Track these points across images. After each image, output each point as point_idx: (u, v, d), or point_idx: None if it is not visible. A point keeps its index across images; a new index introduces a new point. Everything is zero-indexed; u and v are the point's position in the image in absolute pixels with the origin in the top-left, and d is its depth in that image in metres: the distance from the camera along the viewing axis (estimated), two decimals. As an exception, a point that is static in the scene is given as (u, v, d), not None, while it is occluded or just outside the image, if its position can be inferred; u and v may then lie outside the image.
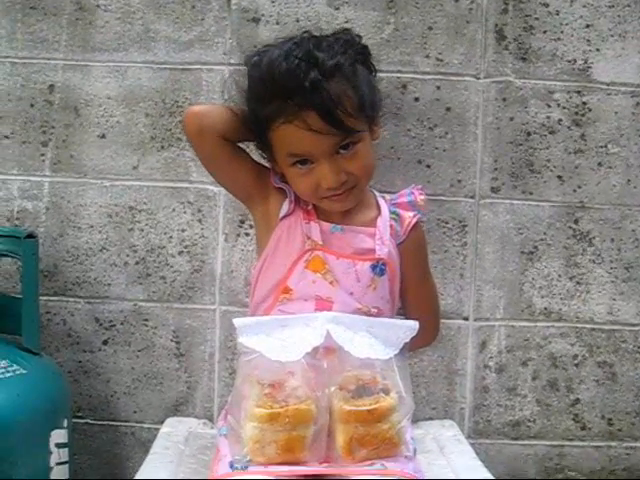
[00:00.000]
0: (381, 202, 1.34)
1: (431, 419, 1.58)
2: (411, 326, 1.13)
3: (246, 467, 1.05)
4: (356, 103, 1.21)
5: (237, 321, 1.11)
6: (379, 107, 1.30)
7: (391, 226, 1.31)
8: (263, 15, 1.56)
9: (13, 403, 1.30)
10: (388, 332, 1.11)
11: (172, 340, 1.59)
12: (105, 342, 1.59)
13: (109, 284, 1.59)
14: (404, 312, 1.36)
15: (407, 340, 1.12)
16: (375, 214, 1.32)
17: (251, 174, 1.32)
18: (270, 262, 1.29)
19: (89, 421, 1.60)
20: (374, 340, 1.09)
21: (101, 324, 1.59)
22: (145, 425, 1.60)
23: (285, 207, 1.29)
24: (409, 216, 1.33)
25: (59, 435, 1.37)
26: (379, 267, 1.27)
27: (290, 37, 1.27)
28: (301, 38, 1.25)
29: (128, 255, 1.59)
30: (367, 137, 1.26)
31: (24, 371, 1.36)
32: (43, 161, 1.58)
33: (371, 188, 1.37)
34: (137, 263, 1.59)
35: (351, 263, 1.26)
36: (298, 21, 1.55)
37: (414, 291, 1.36)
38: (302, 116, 1.17)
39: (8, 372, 1.33)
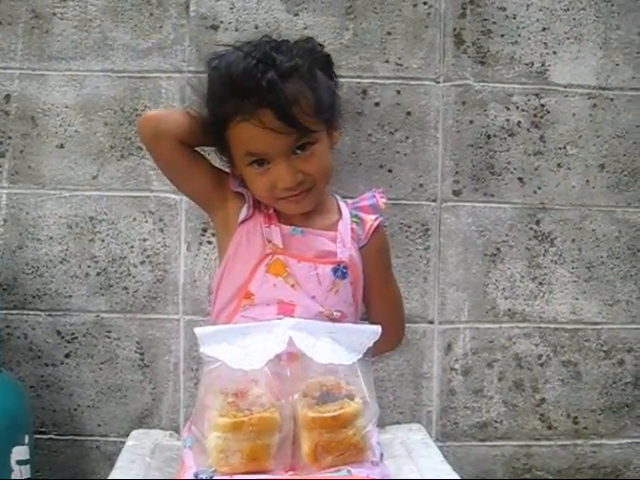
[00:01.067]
0: (342, 206, 1.35)
1: (398, 423, 1.57)
2: (374, 331, 1.13)
3: (211, 478, 1.04)
4: (312, 104, 1.21)
5: (198, 330, 1.10)
6: (337, 111, 1.31)
7: (352, 229, 1.31)
8: (222, 22, 1.55)
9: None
10: (351, 337, 1.11)
11: (136, 351, 1.57)
12: (67, 355, 1.57)
13: (70, 296, 1.56)
14: (368, 316, 1.36)
15: (370, 345, 1.11)
16: (336, 218, 1.32)
17: (210, 179, 1.31)
18: (231, 267, 1.28)
19: (53, 436, 1.57)
20: (337, 346, 1.08)
21: (63, 337, 1.57)
22: (110, 438, 1.57)
23: (244, 212, 1.29)
24: (371, 219, 1.33)
25: (20, 452, 1.34)
26: (340, 270, 1.27)
27: (250, 41, 1.27)
28: (260, 41, 1.26)
29: (89, 266, 1.56)
30: (324, 139, 1.26)
31: (-17, 387, 1.33)
32: (0, 172, 1.55)
33: (333, 193, 1.37)
34: (98, 274, 1.56)
35: (312, 266, 1.26)
36: (257, 27, 1.55)
37: (377, 295, 1.36)
38: (258, 115, 1.18)
39: (-34, 388, 1.31)
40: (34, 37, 1.54)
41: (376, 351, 1.20)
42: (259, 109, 1.18)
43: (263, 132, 1.18)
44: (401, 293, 1.45)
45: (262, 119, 1.18)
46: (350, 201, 1.36)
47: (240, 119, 1.20)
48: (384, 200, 1.35)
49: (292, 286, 1.24)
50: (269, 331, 1.09)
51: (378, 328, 1.14)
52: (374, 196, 1.35)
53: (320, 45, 1.32)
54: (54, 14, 1.54)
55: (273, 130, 1.18)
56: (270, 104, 1.17)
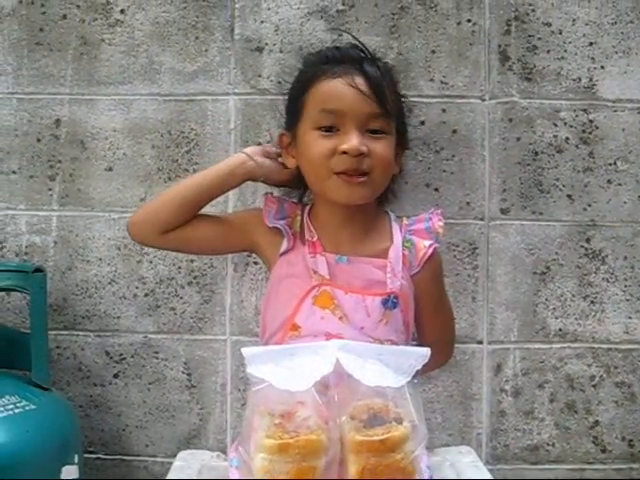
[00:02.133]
0: (395, 228, 1.28)
1: (447, 445, 1.54)
2: (422, 353, 1.10)
3: (257, 500, 1.03)
4: (392, 100, 1.24)
5: (245, 351, 1.09)
6: (405, 131, 1.33)
7: (404, 255, 1.26)
8: (267, 44, 1.56)
9: (22, 439, 1.29)
10: (399, 359, 1.09)
11: (183, 372, 1.58)
12: (116, 375, 1.58)
13: (119, 317, 1.58)
14: (418, 336, 1.33)
15: (419, 367, 1.09)
16: (387, 244, 1.26)
17: (231, 237, 1.30)
18: (275, 300, 1.26)
19: (101, 456, 1.58)
20: (385, 368, 1.06)
21: (111, 357, 1.58)
22: (158, 459, 1.58)
23: (285, 244, 1.26)
24: (424, 246, 1.26)
25: (70, 471, 1.35)
26: (391, 301, 1.21)
27: None
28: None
29: (137, 287, 1.58)
30: (393, 140, 1.25)
31: (33, 407, 1.35)
32: (51, 195, 1.58)
33: (387, 210, 1.33)
34: (146, 295, 1.58)
35: (360, 298, 1.21)
36: (302, 49, 1.56)
37: (429, 318, 1.31)
38: (351, 75, 1.21)
39: (17, 408, 1.32)
40: (83, 63, 1.58)
41: (424, 370, 1.15)
42: (353, 72, 1.21)
43: (350, 90, 1.20)
44: (453, 316, 1.42)
45: (354, 79, 1.20)
46: (406, 221, 1.29)
47: (330, 75, 1.22)
48: (441, 223, 1.27)
49: (340, 318, 1.20)
50: (316, 352, 1.07)
51: (427, 350, 1.11)
52: (431, 219, 1.28)
53: None
54: (102, 40, 1.58)
55: (360, 92, 1.19)
56: (365, 72, 1.21)
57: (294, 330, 1.22)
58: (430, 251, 1.27)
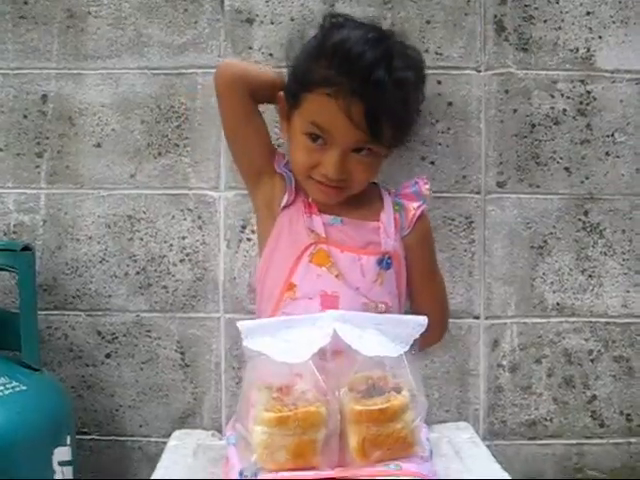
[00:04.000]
0: (384, 195, 1.32)
1: (445, 422, 1.53)
2: (420, 322, 1.09)
3: (256, 475, 1.01)
4: (398, 122, 1.21)
5: (242, 324, 1.08)
6: (409, 137, 1.31)
7: (395, 219, 1.29)
8: (257, 15, 1.53)
9: (13, 421, 1.26)
10: (397, 329, 1.07)
11: (176, 351, 1.55)
12: (108, 355, 1.56)
13: (110, 296, 1.55)
14: (411, 309, 1.33)
15: (417, 336, 1.08)
16: (378, 208, 1.30)
17: (266, 146, 1.32)
18: (273, 258, 1.26)
19: (94, 437, 1.56)
20: (383, 337, 1.05)
21: (103, 337, 1.56)
22: (152, 439, 1.56)
23: (286, 196, 1.28)
24: (414, 207, 1.30)
25: (62, 453, 1.32)
26: (385, 261, 1.24)
27: (373, 23, 1.27)
28: (383, 31, 1.25)
29: (128, 265, 1.55)
30: (381, 155, 1.25)
31: (24, 388, 1.32)
32: (39, 173, 1.55)
33: (375, 182, 1.34)
34: (138, 273, 1.55)
35: (356, 257, 1.23)
36: (293, 20, 1.52)
37: (421, 286, 1.33)
38: (349, 100, 1.15)
39: (7, 389, 1.29)
40: (69, 36, 1.54)
41: (420, 345, 1.16)
42: (353, 96, 1.14)
43: (342, 117, 1.15)
44: (445, 286, 1.42)
45: (350, 107, 1.14)
46: (392, 190, 1.34)
47: (328, 92, 1.16)
48: (427, 187, 1.31)
49: (336, 276, 1.21)
50: (313, 324, 1.06)
51: (424, 319, 1.10)
52: (417, 182, 1.32)
53: (422, 61, 1.30)
54: (89, 13, 1.54)
55: (352, 121, 1.15)
56: (365, 99, 1.14)
57: (290, 290, 1.22)
58: (419, 211, 1.30)
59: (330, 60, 1.17)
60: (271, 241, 1.27)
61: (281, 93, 1.28)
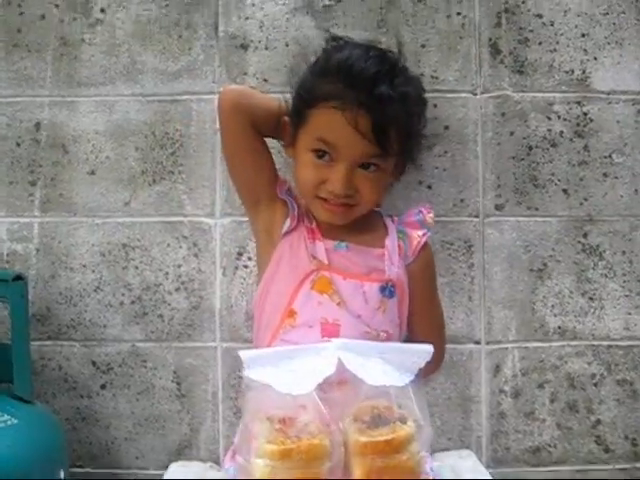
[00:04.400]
0: (388, 222, 1.31)
1: (447, 449, 1.50)
2: (426, 350, 1.07)
3: (257, 509, 0.98)
4: (402, 135, 1.20)
5: (243, 353, 1.05)
6: (414, 156, 1.30)
7: (399, 246, 1.27)
8: (252, 41, 1.52)
9: (4, 456, 1.22)
10: (402, 357, 1.05)
11: (173, 381, 1.52)
12: (103, 386, 1.53)
13: (105, 325, 1.53)
14: (409, 336, 1.31)
15: (422, 365, 1.06)
16: (382, 234, 1.29)
17: (267, 175, 1.29)
18: (273, 284, 1.24)
19: (89, 470, 1.52)
20: (388, 366, 1.03)
21: (98, 367, 1.53)
22: (148, 472, 1.52)
23: (288, 223, 1.26)
24: (418, 235, 1.29)
25: (57, 487, 1.29)
26: (388, 289, 1.22)
27: (372, 44, 1.30)
28: (383, 50, 1.28)
29: (123, 294, 1.53)
30: (389, 172, 1.24)
31: (15, 421, 1.29)
32: (32, 201, 1.53)
33: (378, 209, 1.34)
34: (133, 302, 1.53)
35: (359, 284, 1.21)
36: (287, 45, 1.52)
37: (421, 315, 1.31)
38: (355, 112, 1.15)
39: (-1, 423, 1.27)
40: (63, 64, 1.53)
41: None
42: (359, 108, 1.15)
43: (349, 129, 1.15)
44: (444, 315, 1.41)
45: (357, 118, 1.15)
46: (395, 218, 1.33)
47: (335, 105, 1.16)
48: (431, 215, 1.31)
49: (338, 304, 1.20)
50: (317, 354, 1.04)
51: (430, 347, 1.08)
52: (421, 211, 1.31)
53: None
54: (82, 40, 1.53)
55: (359, 133, 1.15)
56: (372, 110, 1.15)
57: (290, 317, 1.20)
58: (424, 240, 1.29)
59: (335, 75, 1.18)
60: (271, 267, 1.25)
61: (286, 118, 1.28)
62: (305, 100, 1.22)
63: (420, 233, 1.29)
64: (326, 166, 1.19)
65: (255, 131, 1.27)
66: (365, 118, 1.15)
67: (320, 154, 1.19)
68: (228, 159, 1.33)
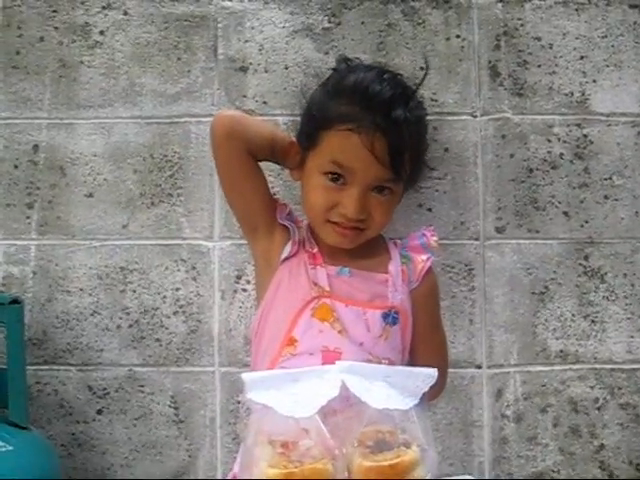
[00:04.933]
0: (391, 246, 1.29)
1: (449, 476, 1.48)
2: (430, 374, 1.05)
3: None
4: (414, 158, 1.21)
5: (246, 376, 1.03)
6: (418, 180, 1.31)
7: (402, 271, 1.25)
8: (251, 64, 1.52)
9: (-1, 482, 1.20)
10: (406, 381, 1.03)
11: (170, 406, 1.50)
12: (99, 412, 1.50)
13: (102, 350, 1.51)
14: (411, 360, 1.29)
15: (426, 389, 1.04)
16: (385, 259, 1.27)
17: (264, 199, 1.27)
18: (271, 311, 1.22)
19: (85, 498, 1.50)
20: (392, 390, 1.01)
21: (94, 392, 1.50)
22: (146, 499, 1.50)
23: (288, 248, 1.24)
24: (422, 260, 1.27)
25: (52, 515, 1.27)
26: (391, 316, 1.20)
27: (384, 68, 1.30)
28: (395, 73, 1.26)
29: (121, 318, 1.51)
30: (398, 195, 1.24)
31: (10, 447, 1.26)
32: (29, 224, 1.52)
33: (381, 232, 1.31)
34: (130, 326, 1.51)
35: (361, 311, 1.19)
36: (287, 68, 1.52)
37: (424, 341, 1.29)
38: (371, 135, 1.14)
39: (-7, 449, 1.24)
40: (62, 86, 1.53)
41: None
42: (375, 131, 1.14)
43: (364, 152, 1.14)
44: (446, 339, 1.39)
45: (373, 142, 1.14)
46: (399, 241, 1.31)
47: (350, 128, 1.15)
48: (435, 238, 1.29)
49: (339, 332, 1.18)
50: (320, 376, 1.01)
51: (435, 371, 1.06)
52: (424, 234, 1.29)
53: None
54: (81, 62, 1.53)
55: (375, 157, 1.14)
56: (388, 134, 1.14)
57: (290, 345, 1.18)
58: (428, 264, 1.27)
59: (350, 97, 1.17)
60: (269, 293, 1.23)
61: (294, 140, 1.27)
62: (318, 121, 1.20)
63: (424, 257, 1.27)
64: (338, 189, 1.18)
65: (249, 157, 1.24)
66: (381, 141, 1.14)
67: (334, 177, 1.18)
68: (224, 185, 1.30)
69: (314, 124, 1.21)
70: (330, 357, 1.16)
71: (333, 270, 1.22)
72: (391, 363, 1.19)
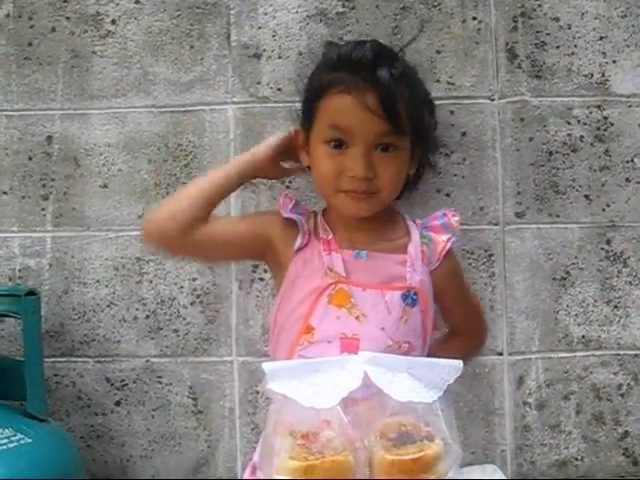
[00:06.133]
0: (411, 226, 1.27)
1: (471, 464, 1.46)
2: (455, 366, 1.03)
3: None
4: (410, 111, 1.19)
5: (266, 365, 1.02)
6: (427, 135, 1.29)
7: (422, 252, 1.24)
8: (264, 50, 1.50)
9: (18, 477, 1.19)
10: (430, 373, 1.01)
11: (189, 397, 1.50)
12: (118, 403, 1.50)
13: (119, 341, 1.50)
14: (448, 327, 1.34)
15: (451, 381, 1.02)
16: (405, 239, 1.25)
17: (249, 234, 1.25)
18: (288, 301, 1.21)
19: (105, 489, 1.50)
20: (416, 382, 0.99)
21: (112, 384, 1.50)
22: (165, 490, 1.49)
23: (299, 240, 1.22)
24: (442, 240, 1.25)
25: (71, 508, 1.26)
26: (410, 297, 1.18)
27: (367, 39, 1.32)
28: (381, 43, 1.29)
29: (137, 309, 1.50)
30: (407, 154, 1.22)
31: (29, 440, 1.26)
32: (44, 215, 1.51)
33: (400, 211, 1.31)
34: (147, 317, 1.50)
35: (380, 294, 1.18)
36: (301, 54, 1.50)
37: (457, 312, 1.32)
38: (362, 90, 1.16)
39: (12, 442, 1.24)
40: (74, 76, 1.51)
41: (466, 356, 1.24)
42: (366, 87, 1.16)
43: (359, 109, 1.15)
44: (478, 300, 1.41)
45: (365, 96, 1.15)
46: (419, 221, 1.29)
47: (342, 89, 1.17)
48: (457, 219, 1.27)
49: (357, 318, 1.16)
50: (342, 367, 1.00)
51: (460, 363, 1.04)
52: (445, 214, 1.27)
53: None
54: (94, 52, 1.51)
55: (370, 110, 1.15)
56: (378, 86, 1.15)
57: (307, 332, 1.17)
58: (449, 245, 1.25)
59: (337, 65, 1.21)
60: (286, 284, 1.22)
61: (296, 128, 1.28)
62: (312, 95, 1.23)
63: (445, 238, 1.25)
64: (342, 154, 1.18)
65: (202, 224, 1.19)
66: (373, 94, 1.15)
67: (336, 144, 1.18)
68: (212, 263, 1.43)
69: (310, 99, 1.23)
70: (348, 344, 1.15)
71: (350, 254, 1.20)
72: (411, 346, 1.18)
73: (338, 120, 1.17)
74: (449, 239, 1.25)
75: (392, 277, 1.20)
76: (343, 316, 1.16)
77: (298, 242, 1.22)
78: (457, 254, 1.45)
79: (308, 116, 1.23)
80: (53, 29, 1.52)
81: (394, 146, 1.19)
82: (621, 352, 1.50)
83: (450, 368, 1.03)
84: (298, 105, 1.30)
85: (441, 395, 1.00)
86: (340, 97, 1.17)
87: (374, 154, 1.18)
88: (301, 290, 1.19)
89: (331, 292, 1.17)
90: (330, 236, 1.22)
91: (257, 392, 1.48)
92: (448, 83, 1.50)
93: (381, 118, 1.15)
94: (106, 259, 1.50)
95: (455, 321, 1.33)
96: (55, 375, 1.49)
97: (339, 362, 1.03)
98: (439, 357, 1.15)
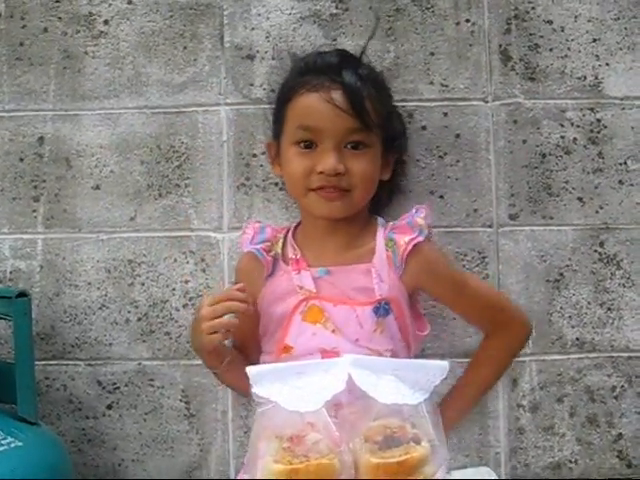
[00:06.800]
0: (379, 231, 1.25)
1: (464, 467, 1.46)
2: (441, 367, 1.03)
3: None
4: (377, 109, 1.21)
5: (250, 369, 1.02)
6: (396, 135, 1.31)
7: (388, 257, 1.22)
8: (258, 51, 1.50)
9: (8, 479, 1.18)
10: (416, 375, 1.01)
11: (181, 400, 1.49)
12: (109, 406, 1.49)
13: (110, 344, 1.49)
14: (476, 326, 1.35)
15: (437, 383, 1.01)
16: (371, 247, 1.24)
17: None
18: (266, 326, 1.25)
19: (96, 493, 1.49)
20: (401, 384, 0.98)
21: (104, 387, 1.49)
22: (157, 494, 1.48)
23: (264, 270, 1.26)
24: (404, 242, 1.21)
25: (62, 512, 1.25)
26: (382, 308, 1.18)
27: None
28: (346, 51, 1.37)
29: (129, 311, 1.49)
30: (377, 152, 1.23)
31: (19, 443, 1.25)
32: (35, 217, 1.50)
33: (376, 216, 1.32)
34: (139, 319, 1.49)
35: (351, 309, 1.18)
36: (295, 55, 1.48)
37: (462, 307, 1.29)
38: (328, 88, 1.19)
39: (2, 445, 1.22)
40: (66, 77, 1.51)
41: (508, 354, 1.29)
42: (332, 85, 1.19)
43: (326, 106, 1.17)
44: (483, 283, 1.41)
45: (331, 94, 1.18)
46: (391, 223, 1.28)
47: (308, 89, 1.19)
48: (422, 215, 1.24)
49: (333, 332, 1.17)
50: (327, 370, 0.99)
51: (446, 364, 1.03)
52: (413, 213, 1.26)
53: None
54: (86, 53, 1.51)
55: (337, 107, 1.17)
56: (344, 84, 1.20)
57: (286, 352, 1.18)
58: (410, 246, 1.20)
59: (304, 70, 1.25)
60: (262, 310, 1.25)
61: (268, 141, 1.33)
62: (281, 101, 1.26)
63: (407, 239, 1.21)
64: (313, 153, 1.19)
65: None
66: (339, 92, 1.18)
67: (306, 144, 1.20)
68: None
69: (278, 106, 1.27)
70: (329, 357, 1.14)
71: (316, 272, 1.21)
72: (393, 352, 1.18)
73: (306, 120, 1.19)
74: (411, 239, 1.21)
75: (358, 290, 1.19)
76: (319, 332, 1.17)
77: (264, 272, 1.25)
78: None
79: (278, 122, 1.26)
80: (45, 29, 1.51)
81: (364, 144, 1.20)
82: (615, 354, 1.49)
83: (436, 369, 1.03)
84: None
85: (427, 397, 0.99)
86: (307, 97, 1.19)
87: (344, 151, 1.19)
88: (274, 313, 1.21)
89: (303, 309, 1.18)
90: (299, 255, 1.23)
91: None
92: (441, 85, 1.49)
93: (348, 115, 1.17)
94: (98, 261, 1.50)
95: (469, 318, 1.31)
96: (46, 378, 1.48)
97: (323, 365, 1.03)
98: (483, 360, 1.17)
